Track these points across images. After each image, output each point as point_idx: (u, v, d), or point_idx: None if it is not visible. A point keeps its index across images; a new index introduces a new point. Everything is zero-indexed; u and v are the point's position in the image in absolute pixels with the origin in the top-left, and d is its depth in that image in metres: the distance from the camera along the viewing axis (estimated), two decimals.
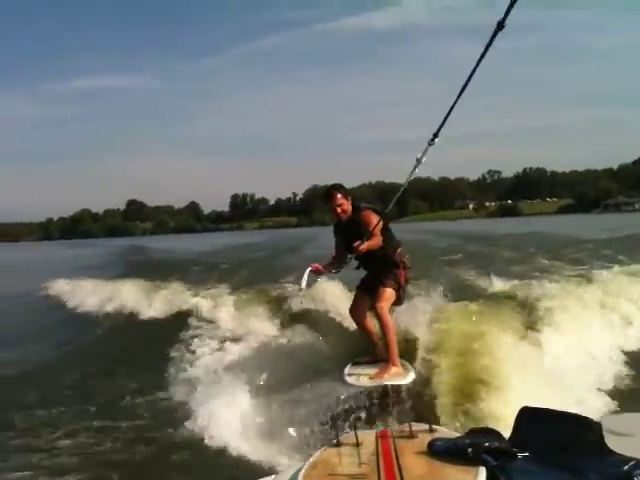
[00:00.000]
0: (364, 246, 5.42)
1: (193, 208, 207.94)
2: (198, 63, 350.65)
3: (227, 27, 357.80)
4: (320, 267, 6.04)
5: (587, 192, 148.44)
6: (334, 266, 6.20)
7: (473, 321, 6.55)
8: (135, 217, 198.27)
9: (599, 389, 6.33)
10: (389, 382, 5.56)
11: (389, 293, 5.79)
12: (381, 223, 5.64)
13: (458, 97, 3.05)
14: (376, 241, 5.59)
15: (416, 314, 6.58)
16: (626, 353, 7.74)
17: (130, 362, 9.14)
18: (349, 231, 5.80)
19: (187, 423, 6.02)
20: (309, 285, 6.10)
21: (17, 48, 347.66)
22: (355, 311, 6.17)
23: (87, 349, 10.80)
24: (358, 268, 6.21)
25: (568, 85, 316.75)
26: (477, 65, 2.87)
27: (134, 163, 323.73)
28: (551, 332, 7.26)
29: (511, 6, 2.76)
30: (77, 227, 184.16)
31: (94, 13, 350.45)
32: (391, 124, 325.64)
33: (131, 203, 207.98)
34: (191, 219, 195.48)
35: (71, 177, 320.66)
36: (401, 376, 5.66)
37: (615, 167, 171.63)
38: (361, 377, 5.63)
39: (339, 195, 5.85)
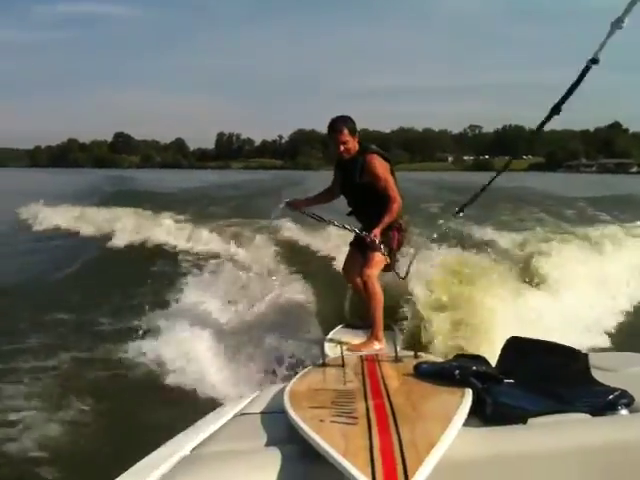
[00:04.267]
0: (379, 228, 4.73)
1: (179, 144, 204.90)
2: None
3: None
4: (299, 203, 5.43)
5: (556, 152, 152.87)
6: (319, 200, 5.54)
7: (466, 271, 6.35)
8: (122, 150, 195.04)
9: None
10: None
11: (379, 258, 4.94)
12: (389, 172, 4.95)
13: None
14: (395, 208, 4.81)
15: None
16: (620, 311, 7.53)
17: (105, 292, 8.76)
18: (349, 172, 5.04)
19: (161, 362, 5.86)
20: (277, 218, 5.54)
21: None
22: (348, 270, 5.47)
23: (61, 276, 10.37)
24: (350, 215, 5.37)
25: (559, 43, 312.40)
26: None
27: (121, 94, 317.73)
28: (547, 285, 7.00)
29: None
30: (65, 156, 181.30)
31: None
32: (381, 71, 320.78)
33: (118, 135, 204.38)
34: (177, 155, 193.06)
35: (59, 105, 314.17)
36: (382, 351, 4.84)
37: (592, 129, 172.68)
38: (339, 346, 4.64)
39: (346, 131, 4.93)
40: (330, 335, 5.25)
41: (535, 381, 2.35)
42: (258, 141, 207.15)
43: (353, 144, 4.97)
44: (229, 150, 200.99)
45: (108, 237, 12.94)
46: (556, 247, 8.27)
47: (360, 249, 5.15)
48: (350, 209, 5.29)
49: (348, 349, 4.64)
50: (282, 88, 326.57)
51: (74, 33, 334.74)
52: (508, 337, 2.70)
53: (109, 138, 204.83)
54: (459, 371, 2.33)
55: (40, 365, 6.02)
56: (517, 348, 2.60)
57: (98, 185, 33.81)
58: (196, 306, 7.25)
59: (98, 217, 15.21)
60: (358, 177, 4.94)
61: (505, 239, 9.71)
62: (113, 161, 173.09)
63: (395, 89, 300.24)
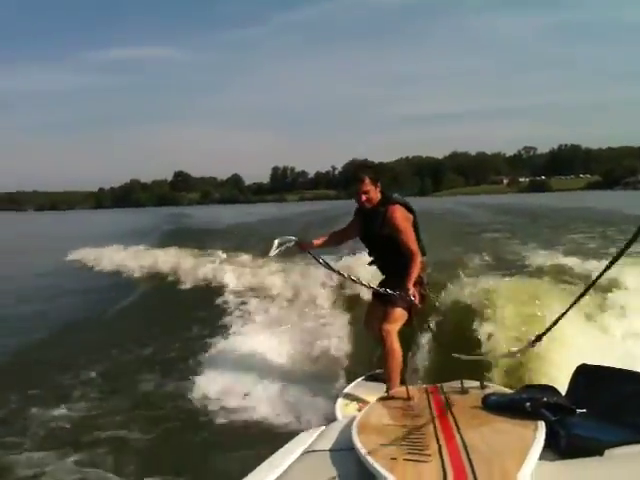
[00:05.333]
0: (410, 285, 4.40)
1: (235, 180, 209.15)
2: (237, 33, 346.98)
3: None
4: (310, 245, 5.07)
5: (614, 170, 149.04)
6: (332, 241, 5.26)
7: (528, 296, 6.09)
8: (181, 187, 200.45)
9: None
10: None
11: (399, 314, 4.70)
12: (411, 225, 4.72)
13: None
14: (417, 264, 4.56)
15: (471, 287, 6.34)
16: None
17: (154, 334, 8.77)
18: (370, 222, 4.81)
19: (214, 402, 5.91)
20: (278, 253, 4.86)
21: (59, 18, 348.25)
22: (369, 322, 5.16)
23: (114, 315, 10.57)
24: (371, 265, 5.13)
25: (610, 62, 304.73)
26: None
27: (178, 134, 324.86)
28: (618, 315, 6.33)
29: None
30: (128, 196, 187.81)
31: None
32: (428, 98, 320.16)
33: (177, 174, 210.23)
34: (234, 190, 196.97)
35: (119, 147, 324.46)
36: None
37: None
38: (351, 405, 4.51)
39: (367, 180, 4.71)
40: (347, 389, 4.90)
41: (608, 411, 2.28)
42: (312, 173, 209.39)
43: (375, 194, 4.75)
44: (284, 183, 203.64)
45: (161, 276, 13.29)
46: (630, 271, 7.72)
47: (381, 301, 4.87)
48: (371, 258, 5.06)
49: (359, 410, 4.26)
50: (333, 120, 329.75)
51: (128, 77, 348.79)
52: (578, 365, 2.62)
53: (169, 177, 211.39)
54: (530, 403, 2.28)
55: (99, 396, 6.30)
56: (588, 377, 2.53)
57: (157, 224, 34.68)
58: (244, 344, 7.23)
59: (153, 257, 15.48)
60: (379, 228, 4.72)
61: (578, 264, 9.22)
62: (174, 199, 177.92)
63: (446, 114, 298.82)
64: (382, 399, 3.09)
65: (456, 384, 3.07)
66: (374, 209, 4.74)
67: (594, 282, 2.74)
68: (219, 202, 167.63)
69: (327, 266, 5.08)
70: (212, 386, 6.12)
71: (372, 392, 4.44)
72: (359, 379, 5.12)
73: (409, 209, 4.79)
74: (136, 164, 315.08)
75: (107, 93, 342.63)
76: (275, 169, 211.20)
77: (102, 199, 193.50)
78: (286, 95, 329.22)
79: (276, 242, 4.81)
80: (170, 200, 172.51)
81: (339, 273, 5.11)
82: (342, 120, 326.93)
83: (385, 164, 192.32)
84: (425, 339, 5.92)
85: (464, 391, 2.93)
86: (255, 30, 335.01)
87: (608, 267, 2.52)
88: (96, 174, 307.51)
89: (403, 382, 3.46)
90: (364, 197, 4.69)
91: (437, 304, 5.91)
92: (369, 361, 6.03)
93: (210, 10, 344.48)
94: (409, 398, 2.98)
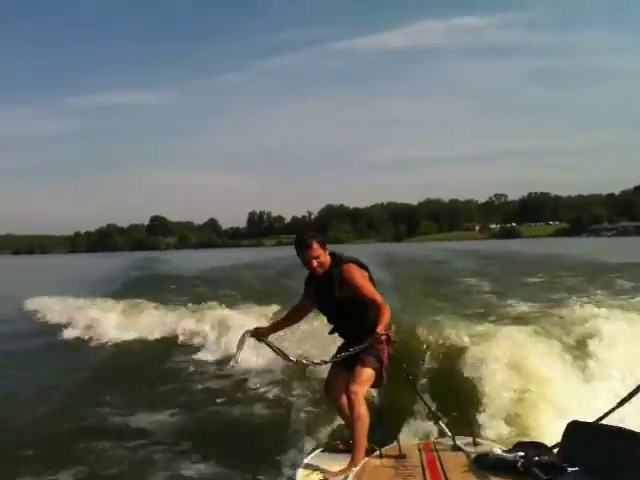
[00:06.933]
0: (381, 330, 4.08)
1: (212, 224, 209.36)
2: (217, 79, 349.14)
3: (245, 44, 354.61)
4: (263, 330, 4.82)
5: (581, 217, 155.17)
6: (288, 322, 5.09)
7: (517, 342, 6.10)
8: (158, 232, 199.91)
9: None
10: None
11: (367, 374, 4.36)
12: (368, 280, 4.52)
13: None
14: (387, 313, 4.25)
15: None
16: None
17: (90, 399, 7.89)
18: (325, 288, 4.56)
19: None
20: (239, 356, 4.63)
21: (40, 62, 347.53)
22: (330, 388, 4.83)
23: (63, 374, 9.63)
24: (332, 333, 4.82)
25: (583, 107, 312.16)
26: None
27: (154, 179, 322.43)
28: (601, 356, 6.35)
29: None
30: (104, 240, 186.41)
31: (113, 29, 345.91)
32: (404, 143, 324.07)
33: (154, 219, 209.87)
34: (212, 235, 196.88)
35: (97, 191, 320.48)
36: None
37: (617, 192, 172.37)
38: (312, 475, 4.20)
39: (316, 245, 4.48)
40: (306, 460, 4.54)
41: (599, 469, 2.27)
42: (288, 218, 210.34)
43: (325, 257, 4.52)
44: (260, 228, 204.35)
45: (100, 333, 12.50)
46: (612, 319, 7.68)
47: (345, 365, 4.51)
48: (331, 326, 4.76)
49: (323, 478, 4.13)
50: (309, 165, 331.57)
51: (109, 122, 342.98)
52: (569, 421, 2.62)
53: (146, 221, 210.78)
54: (522, 462, 2.27)
55: None
56: (579, 433, 2.52)
57: (126, 270, 33.74)
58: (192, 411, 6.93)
59: (98, 310, 14.51)
60: (337, 291, 4.46)
61: (557, 314, 9.18)
62: (151, 243, 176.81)
63: (420, 160, 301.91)
64: (375, 457, 3.04)
65: (448, 440, 3.04)
66: (327, 273, 4.52)
67: None
68: (196, 246, 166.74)
69: (283, 355, 4.68)
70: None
71: (335, 462, 4.17)
72: (317, 450, 4.81)
73: (362, 266, 4.61)
74: (114, 208, 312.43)
75: (87, 138, 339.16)
76: (252, 214, 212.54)
77: (77, 243, 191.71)
78: (263, 140, 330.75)
79: (243, 345, 4.53)
80: (147, 245, 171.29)
81: (298, 362, 4.66)
82: (319, 165, 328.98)
83: (361, 209, 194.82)
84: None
85: (456, 448, 2.89)
86: (234, 76, 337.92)
87: None
88: (73, 218, 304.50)
89: (395, 439, 3.37)
90: (315, 263, 4.48)
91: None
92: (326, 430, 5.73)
93: (194, 57, 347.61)
94: (402, 456, 2.94)
